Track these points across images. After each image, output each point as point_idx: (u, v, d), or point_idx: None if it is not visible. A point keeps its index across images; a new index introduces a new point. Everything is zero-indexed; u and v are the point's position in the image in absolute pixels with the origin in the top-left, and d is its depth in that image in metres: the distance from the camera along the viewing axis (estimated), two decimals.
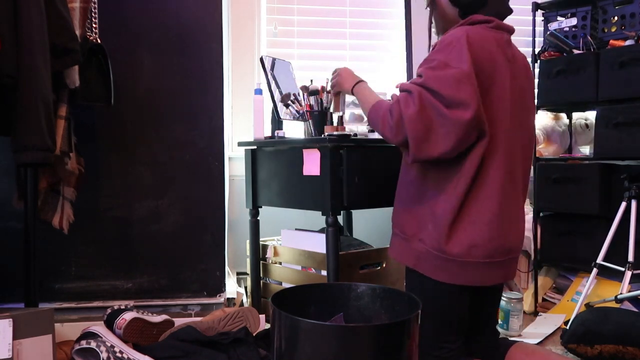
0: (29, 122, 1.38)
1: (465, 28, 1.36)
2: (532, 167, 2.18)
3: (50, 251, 1.95)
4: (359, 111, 2.24)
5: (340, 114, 1.85)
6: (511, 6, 1.48)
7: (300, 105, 2.07)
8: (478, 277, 1.37)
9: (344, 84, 1.66)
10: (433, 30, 1.59)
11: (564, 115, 2.61)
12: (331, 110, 1.97)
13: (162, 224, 2.04)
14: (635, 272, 1.91)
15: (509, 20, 1.48)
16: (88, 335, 1.58)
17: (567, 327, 1.84)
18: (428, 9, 1.57)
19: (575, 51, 2.25)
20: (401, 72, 2.72)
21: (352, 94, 1.62)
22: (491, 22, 1.40)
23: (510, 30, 1.45)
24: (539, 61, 2.35)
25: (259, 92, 2.09)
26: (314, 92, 1.99)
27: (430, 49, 1.50)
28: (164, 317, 1.76)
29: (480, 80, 1.30)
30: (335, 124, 1.95)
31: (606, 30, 2.23)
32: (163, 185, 2.04)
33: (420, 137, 1.28)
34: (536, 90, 2.34)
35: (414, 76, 2.62)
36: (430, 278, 1.39)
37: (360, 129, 2.17)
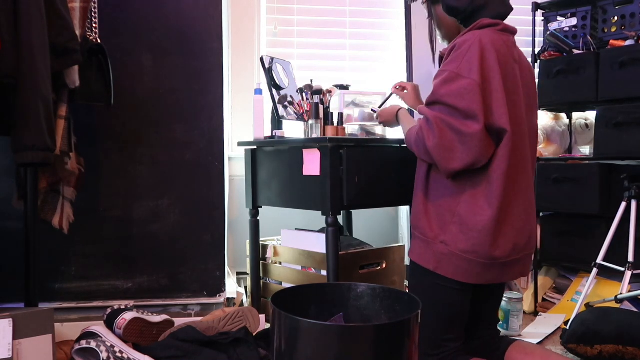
0: (29, 122, 1.38)
1: (477, 33, 1.37)
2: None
3: (50, 251, 1.95)
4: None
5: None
6: (511, 6, 1.49)
7: (298, 107, 2.06)
8: (499, 275, 1.40)
9: (389, 118, 1.74)
10: (438, 37, 1.62)
11: (564, 115, 2.61)
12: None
13: (162, 224, 2.04)
14: (635, 272, 1.90)
15: (508, 20, 1.48)
16: (88, 335, 1.59)
17: (567, 327, 1.84)
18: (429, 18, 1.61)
19: (575, 51, 2.25)
20: (401, 72, 2.72)
21: (397, 120, 1.70)
22: (498, 25, 1.42)
23: (514, 32, 1.47)
24: (539, 61, 2.35)
25: (259, 92, 2.09)
26: (318, 92, 1.98)
27: (438, 56, 1.52)
28: (164, 317, 1.76)
29: (505, 81, 1.34)
30: (335, 123, 1.95)
31: (606, 30, 2.22)
32: (163, 185, 2.04)
33: (444, 158, 1.36)
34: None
35: (414, 76, 2.62)
36: (435, 274, 1.41)
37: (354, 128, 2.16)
